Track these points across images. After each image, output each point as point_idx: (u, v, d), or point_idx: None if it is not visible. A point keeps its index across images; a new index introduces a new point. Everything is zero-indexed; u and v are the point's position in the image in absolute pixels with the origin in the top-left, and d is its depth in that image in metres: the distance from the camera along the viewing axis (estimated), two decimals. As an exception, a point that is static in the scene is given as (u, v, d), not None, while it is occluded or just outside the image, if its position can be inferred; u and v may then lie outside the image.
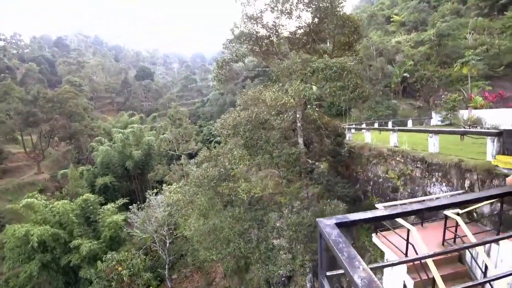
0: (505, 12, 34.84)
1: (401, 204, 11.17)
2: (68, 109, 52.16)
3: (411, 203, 10.39)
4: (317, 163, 16.07)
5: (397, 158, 12.45)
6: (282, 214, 13.06)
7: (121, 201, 28.10)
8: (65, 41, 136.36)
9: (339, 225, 1.55)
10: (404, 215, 1.69)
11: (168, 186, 25.23)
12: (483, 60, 29.67)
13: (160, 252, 25.70)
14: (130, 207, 26.52)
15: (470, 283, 1.71)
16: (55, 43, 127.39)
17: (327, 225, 1.54)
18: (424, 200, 8.43)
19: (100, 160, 41.17)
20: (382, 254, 11.47)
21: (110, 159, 41.63)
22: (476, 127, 18.88)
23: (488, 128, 17.72)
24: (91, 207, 26.75)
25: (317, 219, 1.62)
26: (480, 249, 6.17)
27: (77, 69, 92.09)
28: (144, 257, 25.50)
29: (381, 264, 1.83)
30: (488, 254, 6.24)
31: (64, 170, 43.93)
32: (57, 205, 24.27)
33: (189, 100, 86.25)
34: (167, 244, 25.34)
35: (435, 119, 26.54)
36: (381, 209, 1.63)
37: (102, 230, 24.87)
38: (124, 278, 19.59)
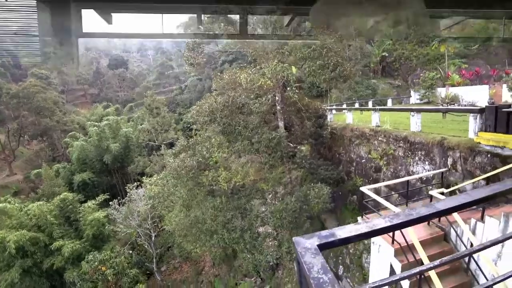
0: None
1: (385, 186, 11.13)
2: (36, 104, 48.72)
3: (395, 183, 10.33)
4: (299, 147, 15.78)
5: (380, 138, 12.31)
6: (266, 201, 12.77)
7: (101, 197, 26.99)
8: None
9: (322, 247, 1.08)
10: (411, 223, 1.24)
11: (149, 179, 24.37)
12: (459, 39, 30.01)
13: (147, 246, 25.16)
14: (110, 203, 25.57)
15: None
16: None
17: (307, 249, 1.06)
18: (408, 181, 8.29)
19: (76, 156, 39.19)
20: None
21: (86, 155, 39.73)
22: (454, 104, 19.16)
23: (465, 105, 18.00)
24: (70, 206, 25.52)
25: (293, 239, 1.14)
26: (465, 227, 6.08)
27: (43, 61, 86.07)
28: (130, 252, 24.90)
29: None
30: (474, 232, 6.16)
31: (38, 170, 41.60)
32: (33, 208, 22.92)
33: (166, 87, 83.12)
34: (153, 238, 24.80)
35: (414, 97, 26.86)
36: (381, 219, 1.13)
37: (84, 228, 23.84)
38: (109, 278, 18.99)
